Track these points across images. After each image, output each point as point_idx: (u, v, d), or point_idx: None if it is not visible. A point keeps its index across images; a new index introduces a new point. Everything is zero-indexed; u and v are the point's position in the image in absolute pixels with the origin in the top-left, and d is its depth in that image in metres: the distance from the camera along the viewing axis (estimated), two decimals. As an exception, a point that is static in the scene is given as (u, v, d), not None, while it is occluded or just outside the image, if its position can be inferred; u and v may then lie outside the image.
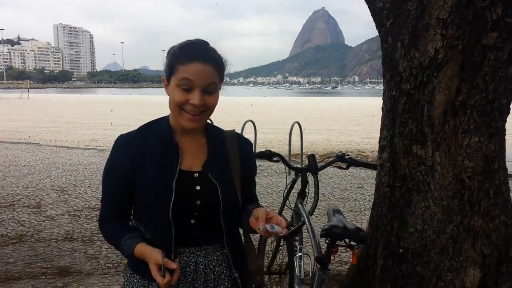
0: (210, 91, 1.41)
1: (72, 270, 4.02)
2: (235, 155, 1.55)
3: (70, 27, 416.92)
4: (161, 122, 1.54)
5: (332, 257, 2.00)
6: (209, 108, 1.43)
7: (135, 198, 1.47)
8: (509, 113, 2.04)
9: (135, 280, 1.51)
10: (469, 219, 2.04)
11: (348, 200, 6.57)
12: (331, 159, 2.59)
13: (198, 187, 1.45)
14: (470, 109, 1.88)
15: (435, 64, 1.89)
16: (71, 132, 15.40)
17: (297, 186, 2.74)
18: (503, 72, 1.89)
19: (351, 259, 2.41)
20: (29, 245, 4.64)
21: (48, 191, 6.98)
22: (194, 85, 1.38)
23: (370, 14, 2.34)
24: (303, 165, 2.59)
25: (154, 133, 1.51)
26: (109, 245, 2.96)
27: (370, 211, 5.98)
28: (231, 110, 26.62)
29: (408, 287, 2.21)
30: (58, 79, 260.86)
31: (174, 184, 1.42)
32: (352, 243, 1.93)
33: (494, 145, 1.98)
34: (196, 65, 1.38)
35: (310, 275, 2.40)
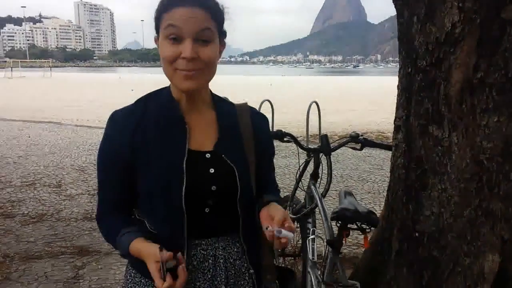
0: (204, 39, 1.17)
1: (91, 250, 4.09)
2: (248, 132, 1.34)
3: (91, 5, 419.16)
4: (161, 94, 1.32)
5: (343, 240, 1.95)
6: (206, 64, 1.18)
7: (137, 186, 1.25)
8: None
9: (137, 279, 1.32)
10: (488, 202, 1.96)
11: (367, 182, 6.48)
12: (344, 139, 2.53)
13: (212, 170, 1.25)
14: (488, 87, 1.77)
15: (452, 39, 1.79)
16: (92, 111, 15.59)
17: (310, 167, 2.68)
18: (525, 48, 1.78)
19: (354, 239, 2.38)
20: (49, 224, 4.73)
21: (68, 170, 7.09)
22: (182, 32, 1.15)
23: (387, -13, 2.24)
24: (317, 146, 2.53)
25: (155, 107, 1.28)
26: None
27: (387, 193, 5.91)
28: (250, 90, 26.49)
29: (424, 271, 2.16)
30: (80, 58, 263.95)
31: (184, 166, 1.21)
32: (364, 226, 1.87)
33: (514, 125, 1.88)
34: (182, 9, 1.15)
35: (323, 258, 2.37)
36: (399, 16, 2.09)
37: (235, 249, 1.32)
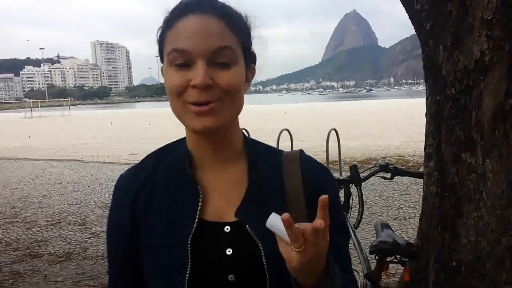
0: (223, 61, 0.85)
1: None
2: (295, 191, 0.93)
3: (107, 44, 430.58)
4: (177, 148, 1.00)
5: (384, 274, 1.92)
6: (226, 92, 0.86)
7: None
8: None
9: None
10: (526, 228, 1.92)
11: (391, 208, 6.40)
12: (374, 169, 2.52)
13: (229, 251, 0.90)
14: (521, 113, 1.77)
15: (481, 66, 1.79)
16: (111, 147, 15.81)
17: (341, 198, 2.67)
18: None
19: (399, 272, 2.34)
20: (77, 263, 4.76)
21: (92, 207, 7.16)
22: (192, 54, 0.84)
23: (408, 16, 2.27)
24: (345, 176, 2.52)
25: (166, 164, 0.98)
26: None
27: (415, 219, 5.86)
28: (265, 118, 26.65)
29: (463, 301, 2.10)
30: (97, 95, 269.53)
31: (189, 245, 0.88)
32: (404, 259, 1.84)
33: (549, 149, 1.86)
34: (189, 21, 0.85)
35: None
36: (424, 45, 2.11)
37: None
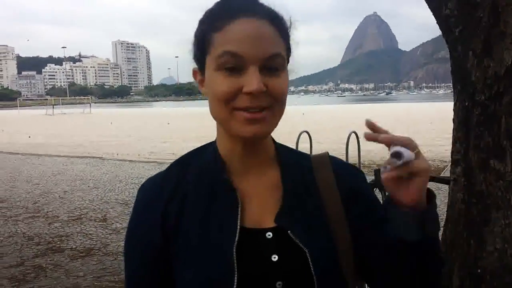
0: (275, 67, 0.83)
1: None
2: (330, 194, 0.94)
3: (128, 43, 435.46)
4: (204, 152, 0.96)
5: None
6: (276, 100, 0.85)
7: (174, 282, 0.90)
8: None
9: None
10: (555, 237, 1.90)
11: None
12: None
13: (275, 257, 0.87)
14: (552, 120, 1.75)
15: (512, 74, 1.78)
16: (131, 145, 16.01)
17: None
18: None
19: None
20: (97, 259, 4.84)
21: (113, 204, 7.27)
22: (245, 58, 0.81)
23: (436, 21, 2.26)
24: (368, 180, 2.52)
25: (196, 172, 0.94)
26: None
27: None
28: (283, 120, 26.56)
29: (487, 309, 2.08)
30: (118, 94, 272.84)
31: (234, 254, 0.85)
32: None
33: None
34: (242, 24, 0.82)
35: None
36: (452, 51, 2.10)
37: None
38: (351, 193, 0.95)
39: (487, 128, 1.95)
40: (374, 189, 2.49)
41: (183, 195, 0.91)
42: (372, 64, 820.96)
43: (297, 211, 0.91)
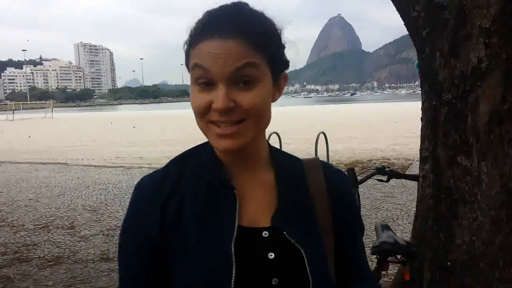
0: (246, 79, 0.84)
1: (110, 291, 4.07)
2: (321, 198, 0.99)
3: (91, 45, 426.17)
4: (201, 152, 0.99)
5: (385, 273, 1.96)
6: (249, 113, 0.85)
7: (171, 278, 0.92)
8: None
9: None
10: (519, 228, 1.99)
11: (380, 210, 6.50)
12: (370, 171, 2.57)
13: (271, 255, 0.91)
14: (516, 117, 1.84)
15: (478, 73, 1.86)
16: (96, 150, 15.66)
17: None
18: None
19: (394, 272, 2.38)
20: (67, 267, 4.72)
21: (80, 211, 7.10)
22: (213, 74, 0.83)
23: (403, 23, 2.33)
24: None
25: (193, 170, 0.96)
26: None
27: (403, 221, 5.94)
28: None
29: (457, 300, 2.16)
30: (80, 98, 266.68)
31: (233, 250, 0.88)
32: (403, 259, 1.90)
33: (542, 152, 1.94)
34: (210, 43, 0.83)
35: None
36: (420, 52, 2.17)
37: None
38: (339, 197, 1.01)
39: (454, 126, 2.03)
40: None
41: (183, 192, 0.94)
42: (337, 65, 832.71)
43: (292, 212, 0.96)
